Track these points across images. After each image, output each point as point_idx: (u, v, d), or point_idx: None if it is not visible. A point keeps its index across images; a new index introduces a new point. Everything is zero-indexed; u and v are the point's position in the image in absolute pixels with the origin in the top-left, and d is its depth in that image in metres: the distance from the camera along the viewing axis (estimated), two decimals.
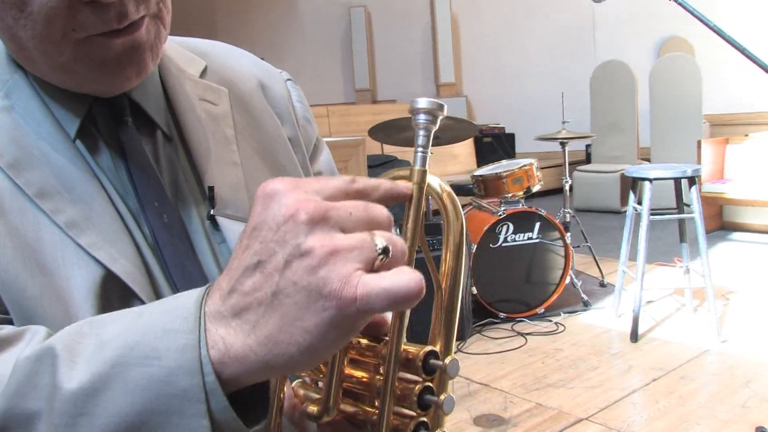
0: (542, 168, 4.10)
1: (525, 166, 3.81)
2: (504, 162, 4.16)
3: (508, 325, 3.62)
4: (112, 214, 0.59)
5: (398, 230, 0.49)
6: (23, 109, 0.60)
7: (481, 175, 3.87)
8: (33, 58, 0.58)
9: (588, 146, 7.55)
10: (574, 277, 3.88)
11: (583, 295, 3.87)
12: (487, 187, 3.83)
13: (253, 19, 9.50)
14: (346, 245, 0.39)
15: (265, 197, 0.42)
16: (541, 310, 3.73)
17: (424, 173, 0.49)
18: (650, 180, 3.35)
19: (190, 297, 0.44)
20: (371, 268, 0.40)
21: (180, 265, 0.61)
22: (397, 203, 0.47)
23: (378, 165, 5.16)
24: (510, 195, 3.77)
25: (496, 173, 3.80)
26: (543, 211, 3.67)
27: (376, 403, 0.49)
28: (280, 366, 0.41)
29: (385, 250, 0.41)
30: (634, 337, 3.34)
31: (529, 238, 3.67)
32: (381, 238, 0.41)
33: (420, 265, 0.49)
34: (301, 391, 0.54)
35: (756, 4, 6.69)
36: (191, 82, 0.71)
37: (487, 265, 3.58)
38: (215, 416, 0.42)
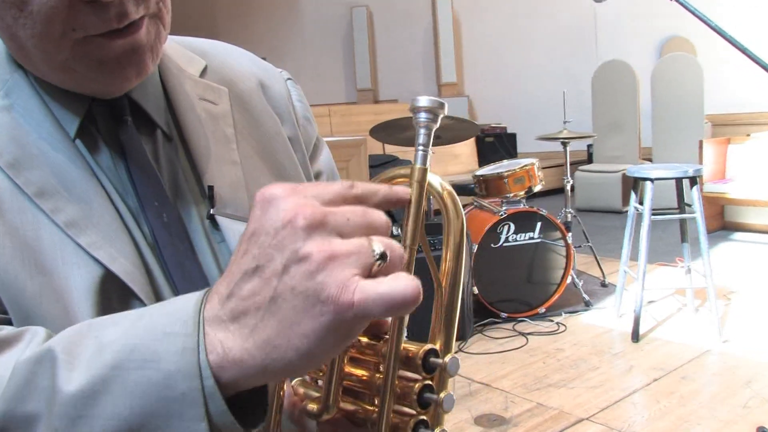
0: (544, 168, 4.10)
1: (526, 165, 3.80)
2: (505, 162, 4.16)
3: (509, 325, 3.62)
4: (112, 214, 0.59)
5: (399, 229, 0.49)
6: (23, 108, 0.60)
7: (482, 175, 3.87)
8: (32, 58, 0.58)
9: (589, 146, 7.55)
10: (575, 277, 3.87)
11: (584, 295, 3.87)
12: (488, 187, 3.83)
13: (255, 19, 9.51)
14: (344, 250, 0.40)
15: (263, 202, 0.42)
16: (542, 310, 3.73)
17: (424, 171, 0.49)
18: (651, 180, 3.34)
19: (189, 300, 0.44)
20: (369, 274, 0.40)
21: (179, 265, 0.61)
22: (395, 208, 0.48)
23: (379, 165, 5.16)
24: (511, 195, 3.77)
25: (498, 173, 3.80)
26: (544, 210, 3.67)
27: (376, 402, 0.49)
28: (278, 370, 0.41)
29: (382, 256, 0.41)
30: (636, 337, 3.33)
31: (530, 238, 3.67)
32: (379, 244, 0.41)
33: (420, 264, 0.49)
34: (301, 389, 0.55)
35: (757, 4, 6.68)
36: (191, 82, 0.71)
37: (488, 264, 3.58)
38: (214, 419, 0.42)
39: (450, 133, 3.60)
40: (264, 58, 0.84)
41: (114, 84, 0.60)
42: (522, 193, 3.78)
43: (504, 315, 3.66)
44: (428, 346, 0.48)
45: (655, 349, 3.24)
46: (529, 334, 3.50)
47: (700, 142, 5.56)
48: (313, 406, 0.50)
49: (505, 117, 8.60)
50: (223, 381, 0.42)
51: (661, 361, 3.08)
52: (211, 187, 0.65)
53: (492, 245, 3.60)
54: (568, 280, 3.75)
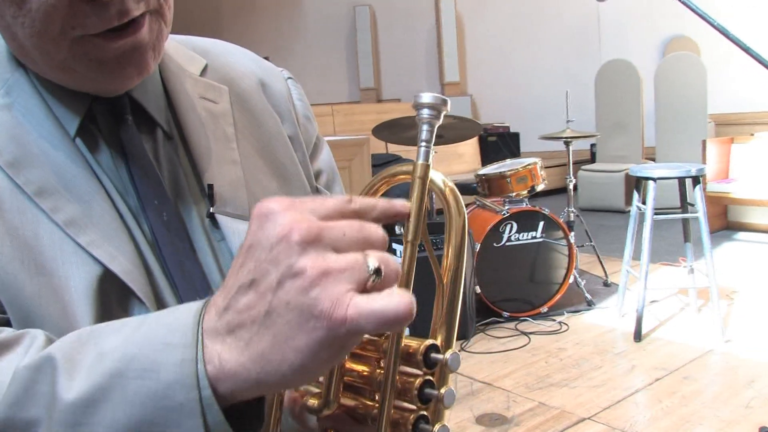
0: (547, 167, 4.09)
1: (529, 165, 3.80)
2: (508, 161, 4.15)
3: (511, 324, 3.62)
4: (112, 213, 0.59)
5: (401, 227, 0.49)
6: (23, 107, 0.60)
7: (485, 174, 3.87)
8: (32, 57, 0.57)
9: (593, 145, 7.54)
10: (577, 276, 3.87)
11: (586, 295, 3.87)
12: (491, 186, 3.83)
13: (258, 18, 9.52)
14: (338, 266, 0.40)
15: (260, 216, 0.42)
16: (544, 309, 3.72)
17: (427, 167, 0.49)
18: (654, 179, 3.34)
19: (189, 311, 0.45)
20: (363, 289, 0.41)
21: (179, 264, 0.61)
22: (394, 221, 0.48)
23: (382, 164, 5.16)
24: (514, 194, 3.77)
25: (500, 172, 3.80)
26: (547, 210, 3.67)
27: (377, 397, 0.49)
28: (272, 383, 0.42)
29: (377, 271, 0.41)
30: (638, 336, 3.33)
31: (532, 237, 3.67)
32: (373, 259, 0.41)
33: (422, 260, 0.49)
34: None
35: (761, 4, 6.67)
36: (192, 81, 0.71)
37: (490, 264, 3.58)
38: (211, 429, 0.43)
39: (453, 132, 3.60)
40: (267, 58, 0.84)
41: (115, 83, 0.60)
42: (525, 192, 3.78)
43: (506, 314, 3.66)
44: (429, 341, 0.48)
45: (657, 348, 3.24)
46: (531, 333, 3.50)
47: (704, 142, 5.55)
48: (313, 402, 0.50)
49: (508, 116, 8.59)
50: (220, 392, 0.42)
51: (664, 361, 3.07)
52: (210, 186, 0.65)
53: (494, 244, 3.60)
54: (571, 279, 3.74)
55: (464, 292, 3.35)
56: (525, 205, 3.72)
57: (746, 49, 1.43)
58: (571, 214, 4.17)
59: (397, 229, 3.01)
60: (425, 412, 0.49)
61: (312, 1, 9.55)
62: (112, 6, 0.53)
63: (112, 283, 0.56)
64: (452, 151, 7.35)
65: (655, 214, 3.36)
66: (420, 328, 0.52)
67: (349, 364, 0.51)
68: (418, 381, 0.48)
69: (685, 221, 3.58)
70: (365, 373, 0.50)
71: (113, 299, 0.56)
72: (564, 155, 4.33)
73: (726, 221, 5.82)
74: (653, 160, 6.65)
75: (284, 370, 0.41)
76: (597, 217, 6.47)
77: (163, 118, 0.67)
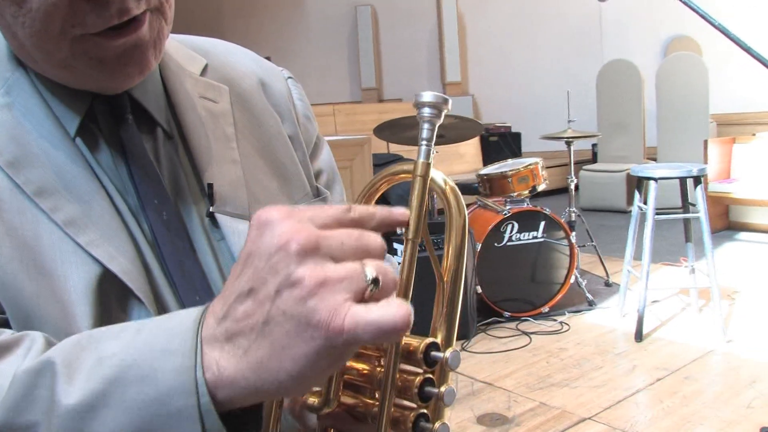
0: (548, 167, 4.09)
1: (530, 165, 3.80)
2: (509, 161, 4.15)
3: (512, 324, 3.62)
4: (111, 212, 0.59)
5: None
6: (23, 106, 0.60)
7: (486, 174, 3.87)
8: (33, 56, 0.57)
9: (594, 145, 7.53)
10: (579, 276, 3.87)
11: (587, 295, 3.87)
12: (492, 186, 3.83)
13: (260, 18, 9.51)
14: (335, 276, 0.40)
15: (259, 225, 0.43)
16: (545, 309, 3.72)
17: (428, 166, 0.49)
18: (655, 179, 3.34)
19: (188, 317, 0.45)
20: (361, 299, 0.41)
21: (179, 263, 0.61)
22: (392, 230, 0.48)
23: (383, 164, 5.16)
24: (515, 194, 3.76)
25: (502, 172, 3.80)
26: (548, 210, 3.67)
27: (377, 395, 0.49)
28: (270, 391, 0.42)
29: (375, 281, 0.41)
30: (639, 336, 3.33)
31: (534, 237, 3.67)
32: (371, 268, 0.42)
33: (423, 258, 0.49)
34: None
35: (763, 4, 6.66)
36: (192, 80, 0.71)
37: (491, 264, 3.58)
38: None
39: (454, 132, 3.60)
40: (269, 58, 0.84)
41: (116, 82, 0.60)
42: (526, 192, 3.78)
43: (507, 314, 3.66)
44: (429, 339, 0.48)
45: (658, 348, 3.24)
46: (532, 333, 3.50)
47: (705, 142, 5.54)
48: (313, 400, 0.50)
49: (510, 116, 8.58)
50: (219, 399, 0.43)
51: (665, 361, 3.07)
52: (210, 186, 0.65)
53: (495, 244, 3.60)
54: (572, 279, 3.74)
55: (465, 292, 3.35)
56: (526, 205, 3.71)
57: (747, 49, 1.43)
58: (573, 214, 4.17)
59: (398, 228, 3.01)
60: (425, 410, 0.49)
61: (314, 0, 9.55)
62: (112, 5, 0.53)
63: (111, 282, 0.56)
64: (453, 150, 7.34)
65: (657, 214, 3.36)
66: (420, 327, 0.52)
67: (349, 363, 0.51)
68: (419, 379, 0.48)
69: (686, 221, 3.58)
70: (365, 372, 0.50)
71: (112, 299, 0.56)
72: (565, 155, 4.33)
73: (727, 221, 5.81)
74: (655, 160, 6.65)
75: (282, 378, 0.41)
76: (598, 217, 6.46)
77: (163, 118, 0.67)
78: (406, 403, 0.49)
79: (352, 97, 9.54)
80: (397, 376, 0.48)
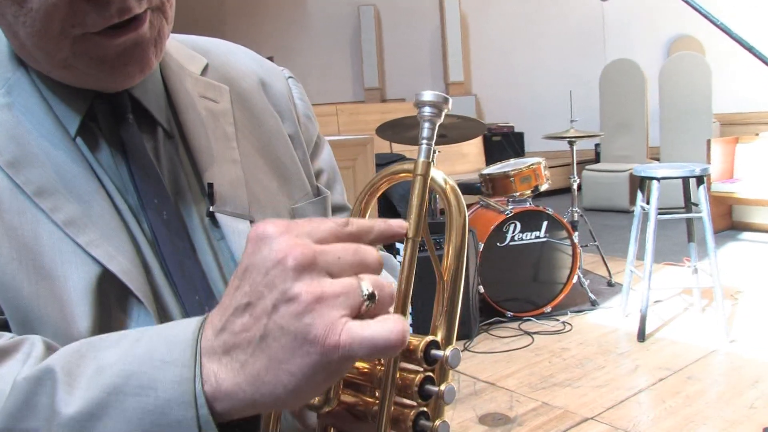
0: (551, 167, 4.09)
1: (533, 164, 3.80)
2: (512, 161, 4.15)
3: (514, 324, 3.62)
4: (111, 212, 0.59)
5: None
6: (24, 106, 0.60)
7: (488, 174, 3.87)
8: (34, 55, 0.57)
9: (597, 145, 7.53)
10: (581, 276, 3.86)
11: (590, 295, 3.86)
12: (494, 186, 3.83)
13: (262, 18, 9.52)
14: (331, 292, 0.41)
15: (256, 240, 0.43)
16: (548, 309, 3.72)
17: (428, 165, 0.49)
18: (658, 179, 3.33)
19: (187, 328, 0.45)
20: (357, 314, 0.41)
21: (179, 263, 0.61)
22: (391, 242, 0.48)
23: (386, 163, 5.16)
24: (518, 194, 3.76)
25: (504, 172, 3.79)
26: (550, 209, 3.66)
27: (377, 394, 0.49)
28: (267, 404, 0.43)
29: (371, 296, 0.42)
30: (642, 336, 3.32)
31: (536, 237, 3.67)
32: (368, 283, 0.42)
33: (423, 258, 0.49)
34: None
35: (764, 3, 6.64)
36: (192, 80, 0.71)
37: (494, 263, 3.57)
38: None
39: (457, 131, 3.60)
40: (271, 58, 0.84)
41: (116, 80, 0.60)
42: (528, 192, 3.77)
43: (509, 314, 3.66)
44: (429, 338, 0.48)
45: (661, 348, 3.23)
46: (534, 333, 3.50)
47: (708, 142, 5.53)
48: (313, 399, 0.51)
49: (513, 116, 8.58)
50: (217, 411, 0.43)
51: (667, 361, 3.07)
52: (211, 185, 0.65)
53: (498, 244, 3.60)
54: (574, 279, 3.74)
55: (468, 292, 3.35)
56: (529, 205, 3.71)
57: (750, 49, 1.43)
58: (575, 214, 4.17)
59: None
60: (425, 409, 0.49)
61: (316, 0, 9.56)
62: (112, 4, 0.53)
63: (111, 282, 0.56)
64: (456, 150, 7.34)
65: (659, 213, 3.35)
66: (421, 326, 0.52)
67: None
68: (419, 377, 0.48)
69: (689, 221, 3.58)
70: (365, 370, 0.50)
71: (112, 299, 0.57)
72: (568, 155, 4.32)
73: (731, 221, 5.80)
74: (658, 159, 6.64)
75: (279, 392, 0.42)
76: (601, 216, 6.46)
77: (163, 117, 0.67)
78: (406, 401, 0.49)
79: (355, 97, 9.55)
80: (397, 374, 0.48)
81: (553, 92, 8.16)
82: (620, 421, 2.53)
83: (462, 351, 3.24)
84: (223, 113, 0.71)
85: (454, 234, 0.52)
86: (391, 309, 0.45)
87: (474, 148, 7.85)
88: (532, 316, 3.68)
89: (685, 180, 3.43)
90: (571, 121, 4.39)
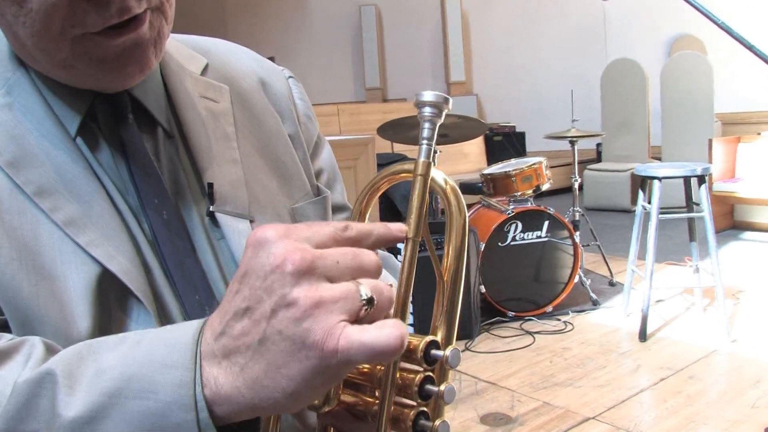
0: (553, 167, 4.09)
1: (534, 164, 3.80)
2: (513, 160, 4.15)
3: (516, 324, 3.62)
4: (111, 212, 0.59)
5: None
6: (24, 106, 0.60)
7: (490, 174, 3.87)
8: (34, 55, 0.57)
9: (598, 145, 7.52)
10: (583, 275, 3.86)
11: (591, 294, 3.86)
12: (496, 186, 3.82)
13: (264, 18, 9.53)
14: (330, 297, 0.41)
15: (255, 244, 0.43)
16: (549, 308, 3.72)
17: (428, 165, 0.49)
18: (659, 179, 3.33)
19: (187, 331, 0.45)
20: (356, 319, 0.41)
21: (179, 263, 0.61)
22: (391, 246, 0.48)
23: (387, 163, 5.14)
24: (519, 193, 3.76)
25: (505, 172, 3.79)
26: (552, 209, 3.66)
27: (377, 394, 0.49)
28: (266, 408, 0.43)
29: (369, 301, 0.42)
30: (643, 336, 3.32)
31: (537, 237, 3.66)
32: (366, 288, 0.42)
33: (423, 258, 0.49)
34: None
35: (765, 3, 6.63)
36: (192, 80, 0.71)
37: (495, 263, 3.57)
38: None
39: (458, 131, 3.59)
40: (272, 58, 0.84)
41: (116, 81, 0.60)
42: (530, 191, 3.77)
43: (511, 314, 3.66)
44: (429, 337, 0.48)
45: (662, 348, 3.23)
46: (536, 333, 3.50)
47: (710, 141, 5.53)
48: None
49: (514, 116, 8.58)
50: (217, 414, 0.43)
51: (669, 361, 3.06)
52: (211, 185, 0.65)
53: (499, 244, 3.60)
54: (576, 279, 3.74)
55: (469, 292, 3.35)
56: (530, 205, 3.71)
57: (751, 48, 1.42)
58: (577, 214, 4.17)
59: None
60: (425, 408, 0.49)
61: (317, 0, 9.56)
62: (112, 4, 0.53)
63: (110, 282, 0.56)
64: (457, 150, 7.34)
65: (661, 213, 3.35)
66: (421, 326, 0.52)
67: None
68: (419, 377, 0.48)
69: (690, 221, 3.57)
70: (365, 370, 0.50)
71: (112, 299, 0.56)
72: (569, 155, 4.32)
73: (732, 221, 5.80)
74: (659, 159, 6.64)
75: (278, 396, 0.42)
76: (602, 216, 6.45)
77: (163, 117, 0.67)
78: (406, 401, 0.49)
79: (356, 97, 9.55)
80: (397, 374, 0.48)
81: (554, 92, 8.16)
82: (621, 421, 2.53)
83: (463, 351, 3.24)
84: (223, 113, 0.71)
85: (454, 234, 0.52)
86: (391, 311, 0.45)
87: (475, 147, 7.85)
88: (533, 316, 3.68)
89: (687, 179, 3.43)
90: (573, 120, 4.39)
